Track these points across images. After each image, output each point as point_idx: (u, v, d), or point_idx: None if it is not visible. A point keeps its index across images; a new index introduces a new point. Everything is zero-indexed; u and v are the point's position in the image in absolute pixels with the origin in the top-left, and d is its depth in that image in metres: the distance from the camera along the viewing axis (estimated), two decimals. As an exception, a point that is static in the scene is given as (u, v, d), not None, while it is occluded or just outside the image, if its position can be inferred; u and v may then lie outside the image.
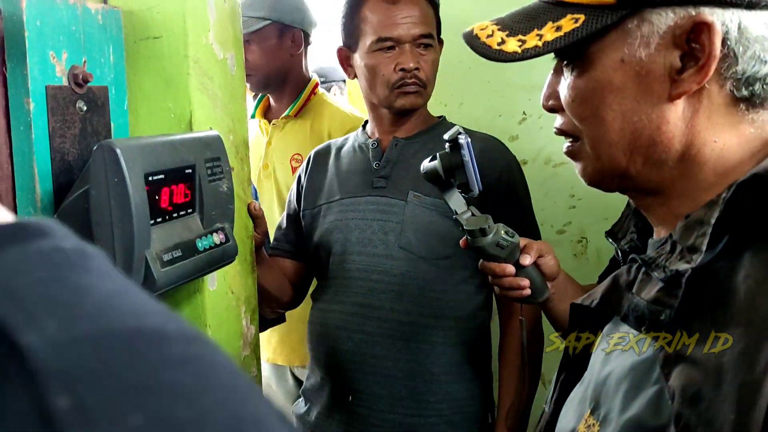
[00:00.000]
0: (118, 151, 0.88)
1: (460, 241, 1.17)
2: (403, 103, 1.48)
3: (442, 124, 1.58)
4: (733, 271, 0.60)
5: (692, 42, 0.62)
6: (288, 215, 1.66)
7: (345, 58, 1.57)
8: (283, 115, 2.13)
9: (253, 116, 2.21)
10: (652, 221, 0.76)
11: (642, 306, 0.65)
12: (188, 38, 1.13)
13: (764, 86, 0.64)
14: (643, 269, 0.68)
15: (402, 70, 1.45)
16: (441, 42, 1.55)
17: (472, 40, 0.72)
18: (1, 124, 0.94)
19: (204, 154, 1.06)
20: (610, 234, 0.86)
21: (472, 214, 1.12)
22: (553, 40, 0.66)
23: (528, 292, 1.11)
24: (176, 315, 0.27)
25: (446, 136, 1.11)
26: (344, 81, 3.18)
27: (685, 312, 0.61)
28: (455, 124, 1.60)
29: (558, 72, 0.74)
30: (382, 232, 1.46)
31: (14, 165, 0.95)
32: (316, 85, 2.17)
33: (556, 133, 0.77)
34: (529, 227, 1.49)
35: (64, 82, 0.99)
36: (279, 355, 2.20)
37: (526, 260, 1.10)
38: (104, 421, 0.21)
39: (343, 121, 2.08)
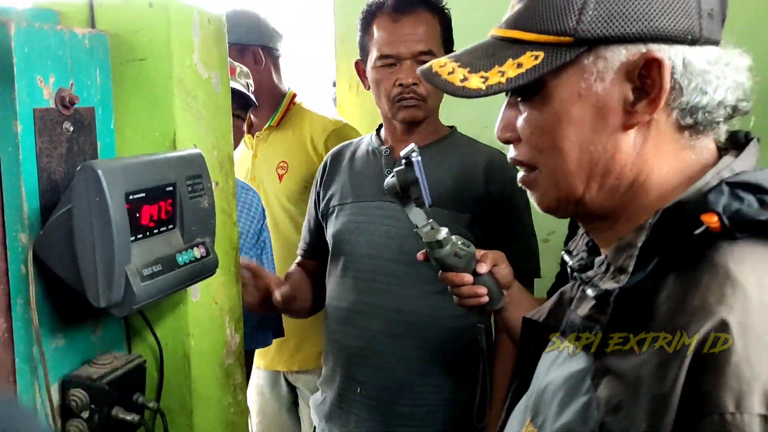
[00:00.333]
0: (99, 172, 0.93)
1: (419, 254, 1.24)
2: (403, 116, 1.59)
3: (453, 134, 1.69)
4: (657, 292, 0.64)
5: (644, 76, 0.67)
6: (308, 218, 1.83)
7: (362, 71, 1.70)
8: (266, 126, 2.23)
9: None
10: (598, 243, 0.80)
11: (577, 322, 0.70)
12: (172, 60, 1.18)
13: (705, 114, 0.69)
14: (580, 287, 0.73)
15: (401, 85, 1.55)
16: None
17: (433, 77, 0.75)
18: (-10, 145, 0.99)
19: (185, 171, 1.11)
20: (566, 251, 0.91)
21: (432, 228, 1.18)
22: (515, 76, 0.70)
23: (486, 299, 1.17)
24: None
25: (402, 153, 1.19)
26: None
27: (614, 328, 0.65)
28: (465, 135, 1.68)
29: (512, 105, 0.77)
30: (388, 236, 1.57)
31: (2, 184, 1.00)
32: (294, 96, 2.28)
33: (511, 164, 0.80)
34: (528, 241, 1.60)
35: (52, 105, 1.04)
36: (278, 361, 2.26)
37: (483, 268, 1.17)
38: None
39: (323, 125, 2.20)
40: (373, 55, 1.59)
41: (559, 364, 0.73)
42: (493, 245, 1.33)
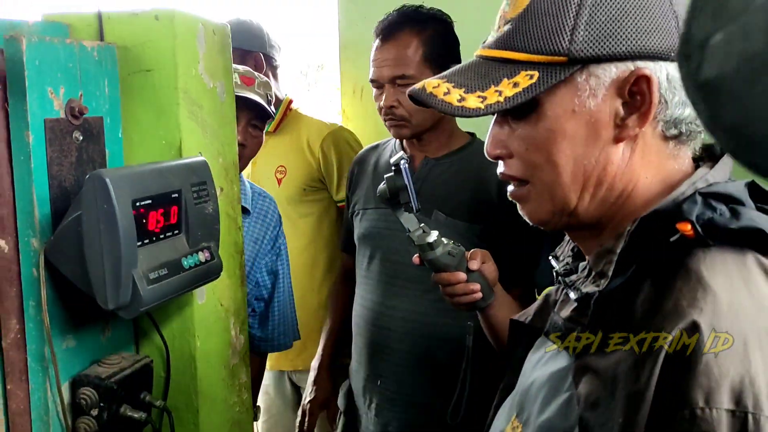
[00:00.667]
0: (107, 180, 0.97)
1: (414, 258, 1.28)
2: (393, 134, 1.74)
3: (471, 144, 1.77)
4: (635, 295, 0.68)
5: (634, 92, 0.71)
6: (345, 216, 2.01)
7: None
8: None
9: None
10: (583, 250, 0.83)
11: (560, 323, 0.73)
12: (178, 71, 1.23)
13: (687, 125, 0.73)
14: (564, 290, 0.76)
15: (382, 107, 1.70)
16: (447, 68, 1.69)
17: (429, 99, 0.77)
18: (3, 154, 1.03)
19: (190, 178, 1.15)
20: (553, 256, 0.95)
21: (423, 231, 1.23)
22: (513, 95, 0.72)
23: (479, 295, 1.22)
24: None
25: (392, 161, 1.24)
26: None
27: (593, 329, 0.69)
28: (483, 143, 1.74)
29: (500, 122, 0.79)
30: (406, 243, 1.62)
31: (15, 191, 1.04)
32: (290, 102, 2.34)
33: (501, 178, 0.82)
34: (535, 244, 1.61)
35: (62, 115, 1.09)
36: (282, 361, 2.31)
37: (475, 264, 1.22)
38: None
39: (318, 128, 2.28)
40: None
41: (543, 363, 0.76)
42: (505, 255, 1.38)
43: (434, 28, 1.69)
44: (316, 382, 2.02)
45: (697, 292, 0.63)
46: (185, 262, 1.12)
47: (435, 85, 0.78)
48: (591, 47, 0.70)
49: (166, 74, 1.22)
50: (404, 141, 1.80)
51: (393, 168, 1.25)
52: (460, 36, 1.76)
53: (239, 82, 1.73)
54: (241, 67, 1.81)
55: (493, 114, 0.76)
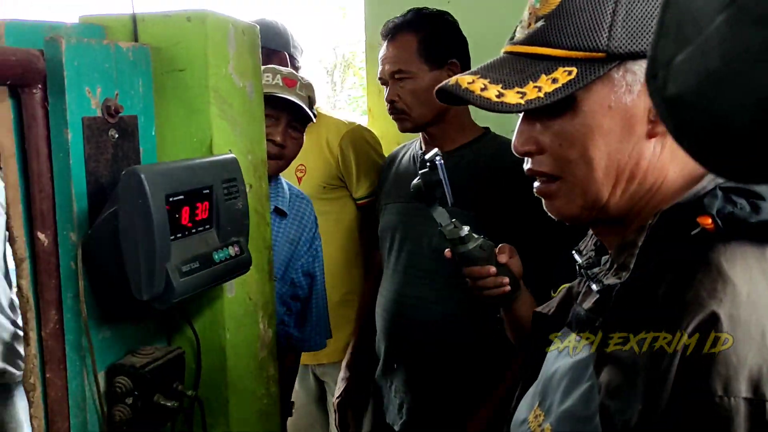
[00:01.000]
0: (143, 176, 1.01)
1: (446, 252, 1.30)
2: (399, 127, 1.85)
3: (483, 138, 1.83)
4: (656, 287, 0.69)
5: None
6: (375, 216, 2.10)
7: None
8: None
9: None
10: (606, 244, 0.84)
11: (582, 314, 0.75)
12: (209, 70, 1.26)
13: None
14: (587, 282, 0.78)
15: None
16: (446, 64, 1.74)
17: (466, 94, 0.77)
18: (43, 151, 1.08)
19: (221, 175, 1.18)
20: (576, 250, 0.96)
21: (454, 226, 1.25)
22: (552, 91, 0.73)
23: (509, 288, 1.24)
24: None
25: (427, 157, 1.26)
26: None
27: (615, 320, 0.71)
28: (497, 137, 1.79)
29: (529, 119, 0.80)
30: (421, 236, 1.78)
31: (54, 187, 1.08)
32: None
33: (528, 174, 0.83)
34: (547, 239, 1.66)
35: (98, 114, 1.13)
36: (307, 356, 2.34)
37: (504, 258, 1.24)
38: None
39: (337, 127, 2.31)
40: None
41: (565, 354, 0.78)
42: (518, 248, 1.40)
43: (431, 27, 1.80)
44: (343, 379, 2.13)
45: (717, 283, 0.64)
46: (216, 256, 1.15)
47: (470, 81, 0.78)
48: (628, 43, 0.71)
49: (198, 74, 1.26)
50: (422, 138, 1.89)
51: (428, 164, 1.28)
52: (479, 34, 1.83)
53: (281, 84, 1.76)
54: (284, 69, 1.84)
55: (534, 109, 0.75)
